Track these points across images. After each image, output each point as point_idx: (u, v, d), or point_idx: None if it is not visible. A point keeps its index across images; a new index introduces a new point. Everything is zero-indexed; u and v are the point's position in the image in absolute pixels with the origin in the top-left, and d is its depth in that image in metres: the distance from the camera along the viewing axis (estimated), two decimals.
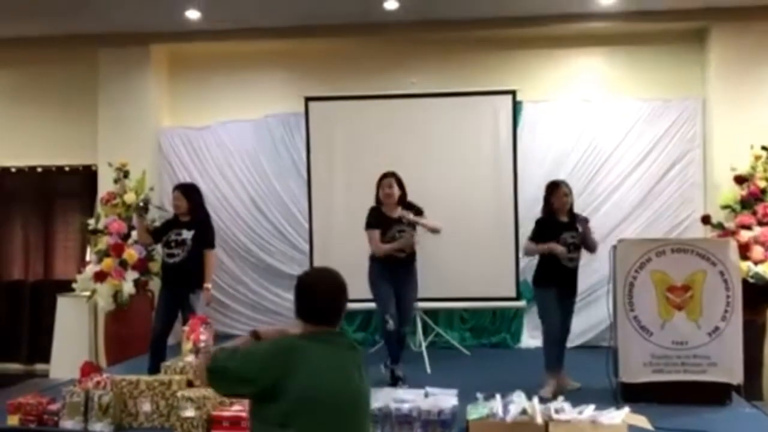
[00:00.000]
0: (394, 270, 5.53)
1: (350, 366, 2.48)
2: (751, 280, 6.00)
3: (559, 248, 5.11)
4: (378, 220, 5.57)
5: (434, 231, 5.63)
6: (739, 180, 6.56)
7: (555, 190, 5.29)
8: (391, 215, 5.56)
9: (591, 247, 5.34)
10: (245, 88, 7.82)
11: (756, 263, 6.15)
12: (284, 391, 2.34)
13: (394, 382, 5.30)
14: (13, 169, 8.23)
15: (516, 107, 6.99)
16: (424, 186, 6.45)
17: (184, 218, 5.58)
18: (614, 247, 5.11)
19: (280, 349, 2.43)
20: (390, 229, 5.53)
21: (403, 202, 5.62)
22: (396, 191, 5.57)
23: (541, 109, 7.32)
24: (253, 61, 7.81)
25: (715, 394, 4.81)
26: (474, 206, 6.89)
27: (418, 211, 5.60)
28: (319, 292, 2.52)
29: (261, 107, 7.69)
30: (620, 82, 7.40)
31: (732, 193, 6.59)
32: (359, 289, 5.79)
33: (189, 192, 5.68)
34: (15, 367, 7.95)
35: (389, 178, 5.59)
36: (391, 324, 5.40)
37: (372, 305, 5.75)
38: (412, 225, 5.54)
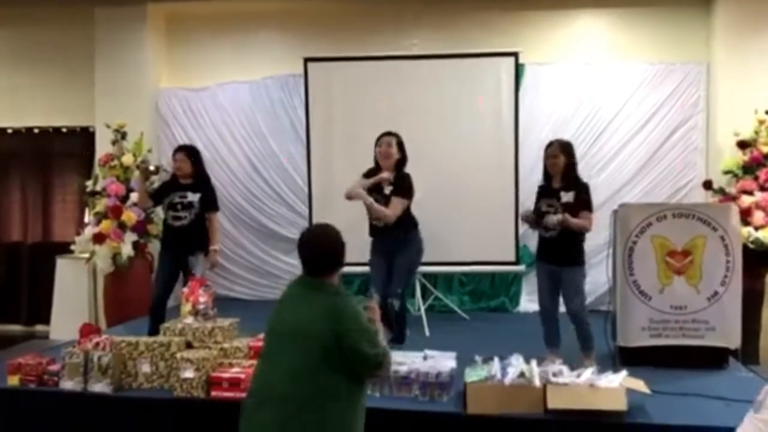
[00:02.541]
0: (384, 243, 5.35)
1: (310, 303, 2.86)
2: (752, 246, 5.99)
3: (552, 219, 4.71)
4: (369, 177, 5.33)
5: (377, 218, 5.29)
6: (742, 145, 6.52)
7: (544, 151, 4.99)
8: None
9: (571, 228, 4.75)
10: (244, 49, 7.73)
11: (757, 228, 6.14)
12: None
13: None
14: (10, 131, 8.18)
15: (518, 69, 6.89)
16: (424, 149, 6.38)
17: (185, 180, 5.51)
18: (615, 212, 5.09)
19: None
20: (372, 193, 5.29)
21: (401, 166, 5.36)
22: (395, 151, 5.30)
23: (543, 71, 7.22)
24: (252, 22, 7.70)
25: (712, 359, 4.83)
26: (474, 169, 6.83)
27: (397, 189, 5.28)
28: (299, 245, 3.03)
29: (260, 68, 7.61)
30: (624, 45, 7.30)
31: (734, 158, 6.54)
32: (357, 253, 5.76)
33: (193, 154, 5.62)
34: (15, 328, 8.00)
35: (389, 136, 5.33)
36: (375, 299, 5.09)
37: (366, 269, 5.65)
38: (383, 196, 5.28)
